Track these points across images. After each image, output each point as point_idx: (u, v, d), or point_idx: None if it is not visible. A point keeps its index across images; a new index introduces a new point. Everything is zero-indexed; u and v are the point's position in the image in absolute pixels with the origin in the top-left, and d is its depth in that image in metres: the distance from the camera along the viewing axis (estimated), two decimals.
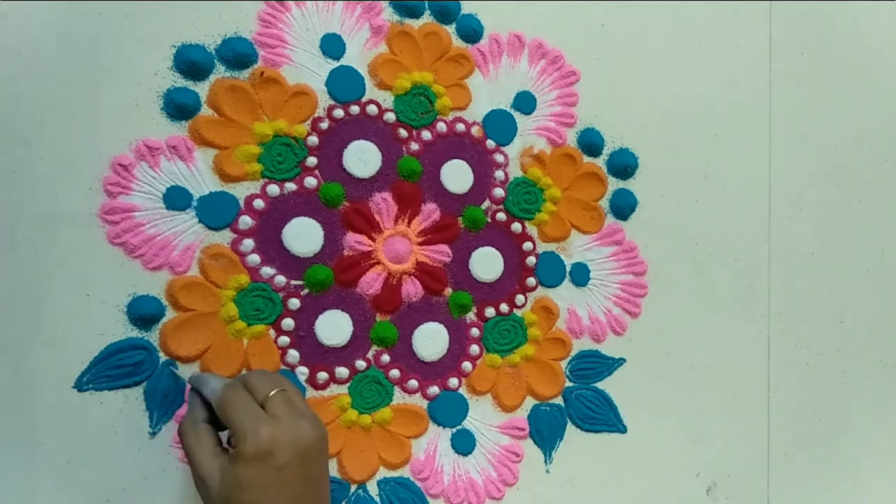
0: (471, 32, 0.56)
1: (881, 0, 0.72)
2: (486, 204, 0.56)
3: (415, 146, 0.54)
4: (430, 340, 0.54)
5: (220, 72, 0.49)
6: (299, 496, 0.41)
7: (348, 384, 0.52)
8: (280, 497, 0.40)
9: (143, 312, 0.47)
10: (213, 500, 0.41)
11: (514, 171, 0.57)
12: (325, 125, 0.51)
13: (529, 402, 0.58)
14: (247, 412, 0.42)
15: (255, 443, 0.40)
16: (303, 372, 0.51)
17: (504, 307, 0.57)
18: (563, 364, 0.59)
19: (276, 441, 0.41)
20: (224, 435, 0.44)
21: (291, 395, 0.44)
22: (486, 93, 0.56)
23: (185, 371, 0.48)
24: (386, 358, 0.53)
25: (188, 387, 0.47)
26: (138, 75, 0.47)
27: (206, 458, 0.42)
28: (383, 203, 0.53)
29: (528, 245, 0.57)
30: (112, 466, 0.47)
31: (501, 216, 0.57)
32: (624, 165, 0.61)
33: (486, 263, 0.56)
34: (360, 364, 0.52)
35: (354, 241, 0.52)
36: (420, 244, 0.54)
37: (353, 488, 0.52)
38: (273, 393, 0.43)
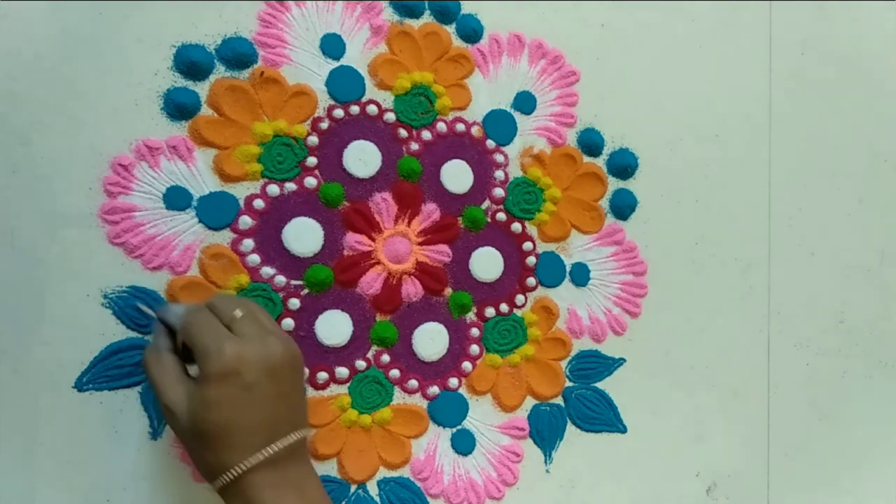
0: (471, 32, 0.56)
1: (881, 0, 0.72)
2: (486, 204, 0.56)
3: (415, 146, 0.54)
4: (430, 340, 0.54)
5: (220, 72, 0.49)
6: (270, 415, 0.40)
7: (348, 384, 0.52)
8: (250, 416, 0.39)
9: None
10: (182, 426, 0.40)
11: (514, 171, 0.57)
12: (325, 125, 0.51)
13: (529, 402, 0.58)
14: (211, 332, 0.40)
15: (221, 361, 0.39)
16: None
17: (504, 307, 0.57)
18: (563, 364, 0.59)
19: (242, 359, 0.39)
20: (193, 369, 0.42)
21: (259, 314, 0.43)
22: (486, 93, 0.56)
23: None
24: (386, 358, 0.53)
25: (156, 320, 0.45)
26: (138, 75, 0.47)
27: (171, 386, 0.41)
28: (383, 203, 0.53)
29: (528, 245, 0.57)
30: (112, 466, 0.47)
31: (501, 216, 0.57)
32: (624, 165, 0.61)
33: (486, 263, 0.56)
34: (360, 364, 0.52)
35: (354, 241, 0.52)
36: (420, 244, 0.54)
37: (353, 488, 0.52)
38: (239, 313, 0.42)
